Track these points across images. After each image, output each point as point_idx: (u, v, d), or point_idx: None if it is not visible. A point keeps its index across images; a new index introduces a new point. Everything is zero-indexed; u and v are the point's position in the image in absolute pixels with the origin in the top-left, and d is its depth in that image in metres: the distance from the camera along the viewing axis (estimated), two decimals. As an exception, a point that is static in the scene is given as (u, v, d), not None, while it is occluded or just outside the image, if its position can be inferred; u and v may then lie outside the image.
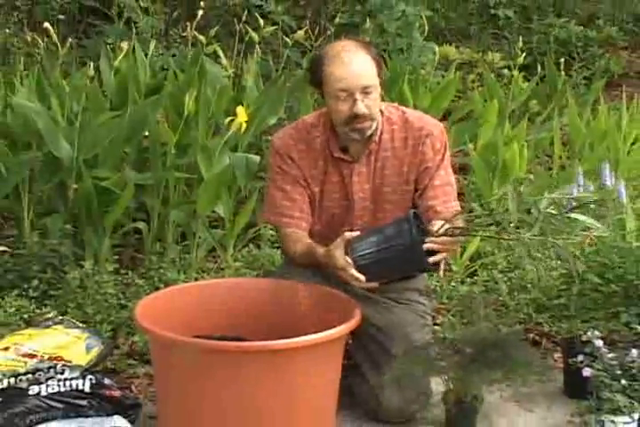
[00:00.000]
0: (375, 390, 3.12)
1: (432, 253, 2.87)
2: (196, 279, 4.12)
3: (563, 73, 7.03)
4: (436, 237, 2.85)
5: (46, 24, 4.85)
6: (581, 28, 8.92)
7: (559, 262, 4.18)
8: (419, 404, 3.14)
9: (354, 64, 3.01)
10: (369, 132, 3.09)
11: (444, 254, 2.90)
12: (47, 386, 2.95)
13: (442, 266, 2.96)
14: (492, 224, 2.82)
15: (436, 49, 6.71)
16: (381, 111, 3.15)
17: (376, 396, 3.12)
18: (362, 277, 2.89)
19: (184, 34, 6.49)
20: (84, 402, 2.97)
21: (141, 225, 4.41)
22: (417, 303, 3.26)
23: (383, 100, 3.23)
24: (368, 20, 6.54)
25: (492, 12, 9.08)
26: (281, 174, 3.19)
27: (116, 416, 3.00)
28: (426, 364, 2.99)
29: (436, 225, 2.88)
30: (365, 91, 3.00)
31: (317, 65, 3.07)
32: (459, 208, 3.12)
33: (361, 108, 3.00)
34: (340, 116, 3.06)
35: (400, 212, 3.12)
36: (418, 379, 3.09)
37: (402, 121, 3.17)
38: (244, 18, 6.03)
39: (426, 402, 3.16)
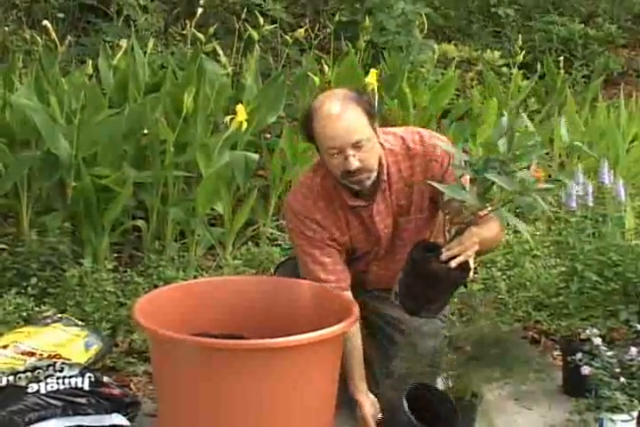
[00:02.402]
0: (380, 391, 3.11)
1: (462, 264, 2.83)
2: (195, 277, 4.12)
3: (562, 71, 7.03)
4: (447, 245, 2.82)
5: (45, 22, 4.85)
6: (582, 26, 8.92)
7: (558, 260, 4.18)
8: None
9: (341, 121, 2.91)
10: (368, 182, 3.02)
11: (467, 253, 2.80)
12: (46, 384, 2.96)
13: (471, 265, 2.85)
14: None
15: (436, 47, 6.71)
16: (382, 145, 3.07)
17: (379, 395, 3.11)
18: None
19: (183, 32, 6.49)
20: (82, 400, 2.98)
21: (140, 223, 4.41)
22: None
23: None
24: (367, 18, 6.54)
25: (493, 10, 9.08)
26: (305, 239, 3.11)
27: (114, 414, 3.01)
28: (434, 370, 3.00)
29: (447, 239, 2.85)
30: (357, 145, 2.92)
31: (307, 121, 2.99)
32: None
33: (353, 163, 2.92)
34: (335, 171, 3.00)
35: (416, 236, 3.11)
36: (425, 380, 3.08)
37: (404, 149, 3.09)
38: (243, 16, 6.03)
39: None
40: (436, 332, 3.14)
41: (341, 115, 2.92)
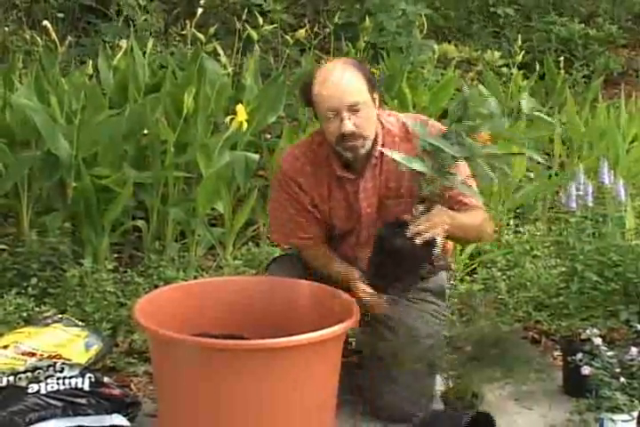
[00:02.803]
0: (379, 391, 3.12)
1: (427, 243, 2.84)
2: (196, 277, 4.12)
3: (562, 71, 7.03)
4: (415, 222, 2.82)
5: (45, 22, 4.85)
6: (582, 26, 8.92)
7: (559, 260, 4.18)
8: (421, 406, 3.13)
9: (339, 82, 2.95)
10: (362, 151, 3.03)
11: (435, 231, 2.81)
12: (46, 384, 2.96)
13: (438, 243, 2.86)
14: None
15: (436, 47, 6.71)
16: (382, 124, 3.10)
17: (379, 394, 3.12)
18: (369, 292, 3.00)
19: (183, 32, 6.49)
20: (83, 400, 2.97)
21: (140, 223, 4.41)
22: (428, 303, 3.24)
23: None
24: (367, 19, 6.54)
25: (492, 10, 9.07)
26: (288, 200, 3.16)
27: (115, 415, 3.00)
28: (432, 369, 2.99)
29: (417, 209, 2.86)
30: (353, 108, 2.95)
31: (308, 85, 3.03)
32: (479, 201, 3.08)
33: (348, 126, 2.95)
34: (330, 137, 3.02)
35: None
36: (421, 380, 3.09)
37: (403, 132, 3.11)
38: (243, 16, 6.03)
39: (428, 403, 3.16)
40: (428, 331, 3.14)
41: (340, 77, 2.97)
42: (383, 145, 3.07)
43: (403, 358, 3.01)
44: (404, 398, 3.09)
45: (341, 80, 2.96)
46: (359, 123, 2.97)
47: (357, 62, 3.08)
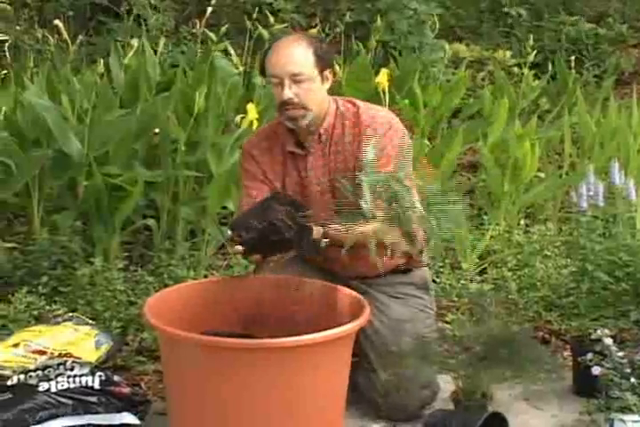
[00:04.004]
0: (378, 388, 3.12)
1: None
2: (206, 276, 4.13)
3: (573, 71, 7.02)
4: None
5: (57, 21, 4.87)
6: (592, 25, 8.90)
7: (569, 260, 4.17)
8: (423, 400, 3.14)
9: (285, 52, 3.03)
10: (303, 122, 3.07)
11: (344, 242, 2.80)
12: (57, 383, 2.96)
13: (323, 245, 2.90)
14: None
15: (447, 47, 6.71)
16: (337, 105, 3.15)
17: (379, 393, 3.12)
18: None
19: (194, 31, 6.50)
20: (93, 399, 2.98)
21: (151, 222, 4.41)
22: (414, 297, 3.25)
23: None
24: (379, 18, 6.53)
25: (504, 10, 9.06)
26: (244, 172, 3.23)
27: (125, 413, 3.01)
28: (427, 359, 2.99)
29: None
30: (295, 78, 3.01)
31: (265, 54, 3.12)
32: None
33: (287, 94, 3.01)
34: (276, 104, 3.09)
35: None
36: (420, 375, 3.09)
37: (355, 117, 3.13)
38: (254, 15, 6.04)
39: (431, 398, 3.17)
40: (419, 322, 3.17)
41: (289, 47, 3.05)
42: (334, 124, 3.12)
43: (395, 350, 3.04)
44: (406, 396, 3.10)
45: (287, 50, 3.04)
46: (300, 93, 3.02)
47: (313, 39, 3.13)
